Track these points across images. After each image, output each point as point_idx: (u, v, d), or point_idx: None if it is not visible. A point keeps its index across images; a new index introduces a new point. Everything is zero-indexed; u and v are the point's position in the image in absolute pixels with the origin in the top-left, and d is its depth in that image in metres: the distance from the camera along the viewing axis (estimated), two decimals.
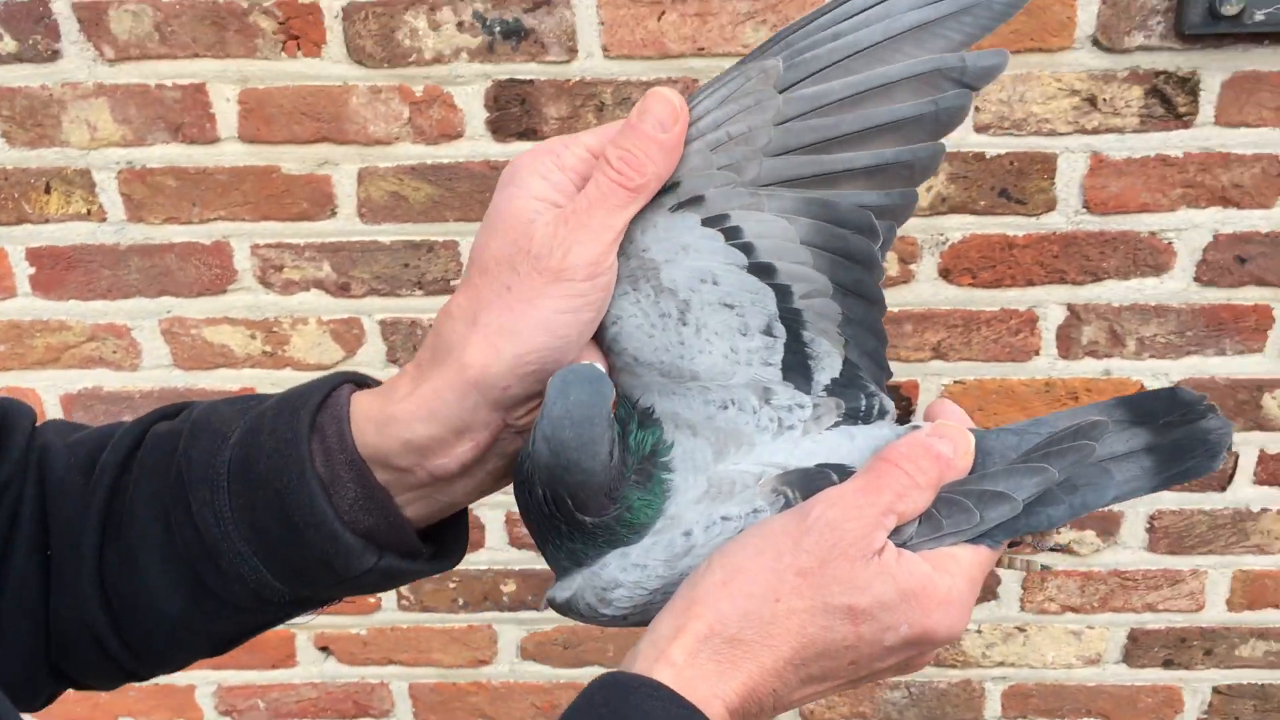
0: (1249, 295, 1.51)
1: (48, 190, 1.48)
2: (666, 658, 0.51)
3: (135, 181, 1.47)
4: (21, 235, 1.50)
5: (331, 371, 0.61)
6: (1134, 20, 1.36)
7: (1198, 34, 1.34)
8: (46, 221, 1.49)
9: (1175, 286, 1.51)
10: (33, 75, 1.42)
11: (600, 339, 0.58)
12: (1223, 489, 1.62)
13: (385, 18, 1.39)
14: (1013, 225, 1.48)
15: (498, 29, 1.39)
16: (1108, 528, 1.66)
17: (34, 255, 1.51)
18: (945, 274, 1.51)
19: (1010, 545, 0.58)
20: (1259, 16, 1.31)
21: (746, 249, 0.58)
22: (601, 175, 0.55)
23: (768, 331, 0.59)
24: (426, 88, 1.42)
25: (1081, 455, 0.56)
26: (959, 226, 1.48)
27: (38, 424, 0.63)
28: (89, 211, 1.49)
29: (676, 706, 0.49)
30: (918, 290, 1.52)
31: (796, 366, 0.59)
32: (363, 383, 0.60)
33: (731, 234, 0.58)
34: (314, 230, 1.50)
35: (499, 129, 1.44)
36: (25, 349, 1.56)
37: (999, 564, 0.59)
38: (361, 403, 0.57)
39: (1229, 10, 1.30)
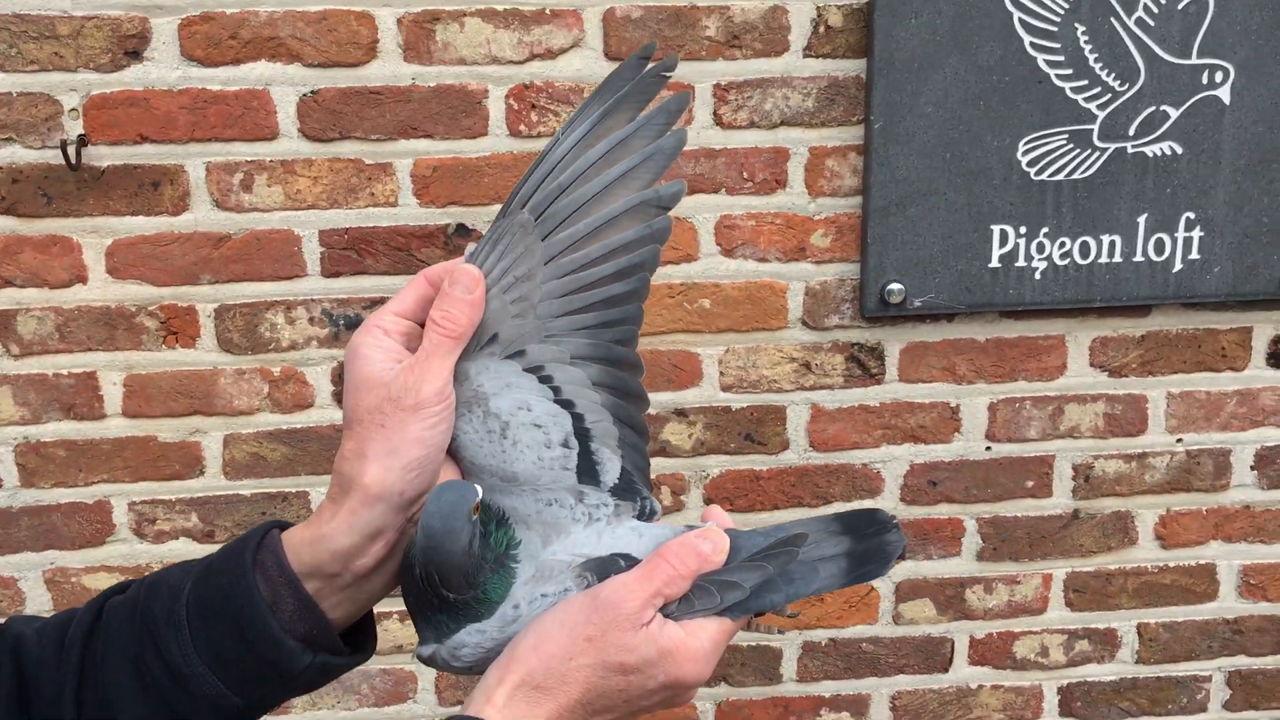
0: (943, 511, 1.92)
1: None
2: (491, 701, 0.70)
3: (30, 453, 1.74)
4: None
5: (261, 523, 0.79)
6: (830, 306, 1.81)
7: (875, 316, 1.80)
8: None
9: (887, 505, 1.91)
10: None
11: (451, 450, 0.76)
12: (945, 670, 1.99)
13: (250, 315, 1.73)
14: (758, 461, 1.87)
15: (341, 322, 1.75)
16: (859, 709, 2.00)
17: None
18: (709, 502, 1.88)
19: (758, 615, 0.76)
20: (917, 303, 1.78)
21: (555, 389, 0.76)
22: (432, 331, 0.73)
23: (565, 444, 0.77)
24: (283, 369, 1.76)
25: (789, 558, 0.74)
26: (716, 464, 1.87)
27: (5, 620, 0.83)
28: None
29: None
30: (688, 516, 1.88)
31: (588, 471, 0.77)
32: (284, 525, 0.78)
33: (545, 379, 0.76)
34: (184, 488, 1.79)
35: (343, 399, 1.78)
36: None
37: (748, 627, 0.77)
38: (293, 534, 0.75)
39: (894, 299, 1.76)
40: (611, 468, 0.78)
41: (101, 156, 1.65)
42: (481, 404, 0.75)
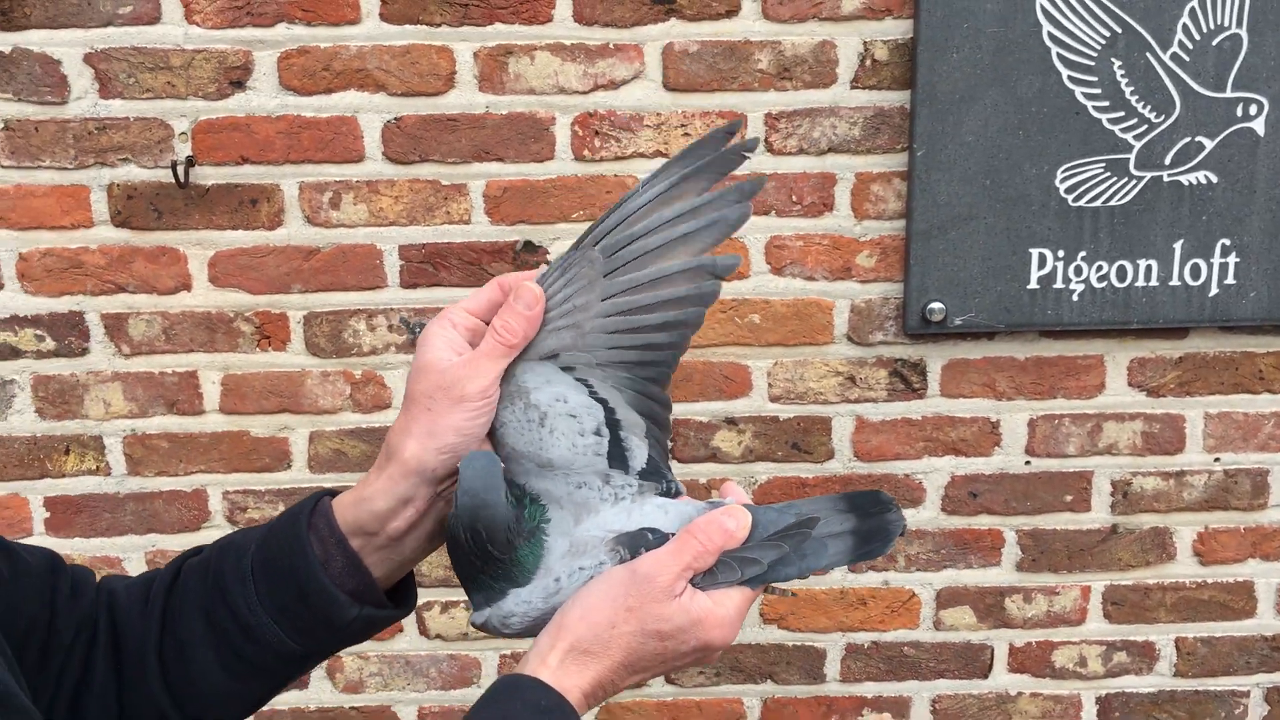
0: (983, 522, 2.00)
1: (67, 452, 1.92)
2: (545, 664, 0.79)
3: (136, 444, 1.92)
4: (42, 487, 1.93)
5: (315, 491, 0.90)
6: (874, 324, 1.91)
7: (918, 333, 1.89)
8: (63, 476, 1.93)
9: (928, 515, 2.00)
10: (65, 366, 1.88)
11: (492, 436, 0.85)
12: (985, 676, 2.07)
13: (335, 322, 1.89)
14: (804, 469, 1.98)
15: (418, 330, 1.90)
16: (900, 710, 2.08)
17: (50, 503, 1.94)
18: None
19: (769, 589, 0.87)
20: (957, 322, 1.87)
21: (590, 387, 0.84)
22: (490, 336, 0.81)
23: (598, 433, 0.85)
24: (364, 372, 1.91)
25: (803, 538, 0.83)
26: (764, 471, 1.97)
27: (98, 579, 0.95)
28: (97, 468, 1.93)
29: (550, 694, 0.77)
30: None
31: (618, 457, 0.85)
32: (334, 492, 0.88)
33: (580, 379, 0.84)
34: (273, 479, 1.95)
35: None
36: None
37: (765, 592, 0.87)
38: (341, 499, 0.86)
39: (935, 318, 1.86)
40: (639, 454, 0.86)
41: (207, 176, 1.82)
42: (523, 396, 0.84)
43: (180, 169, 1.78)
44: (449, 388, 0.81)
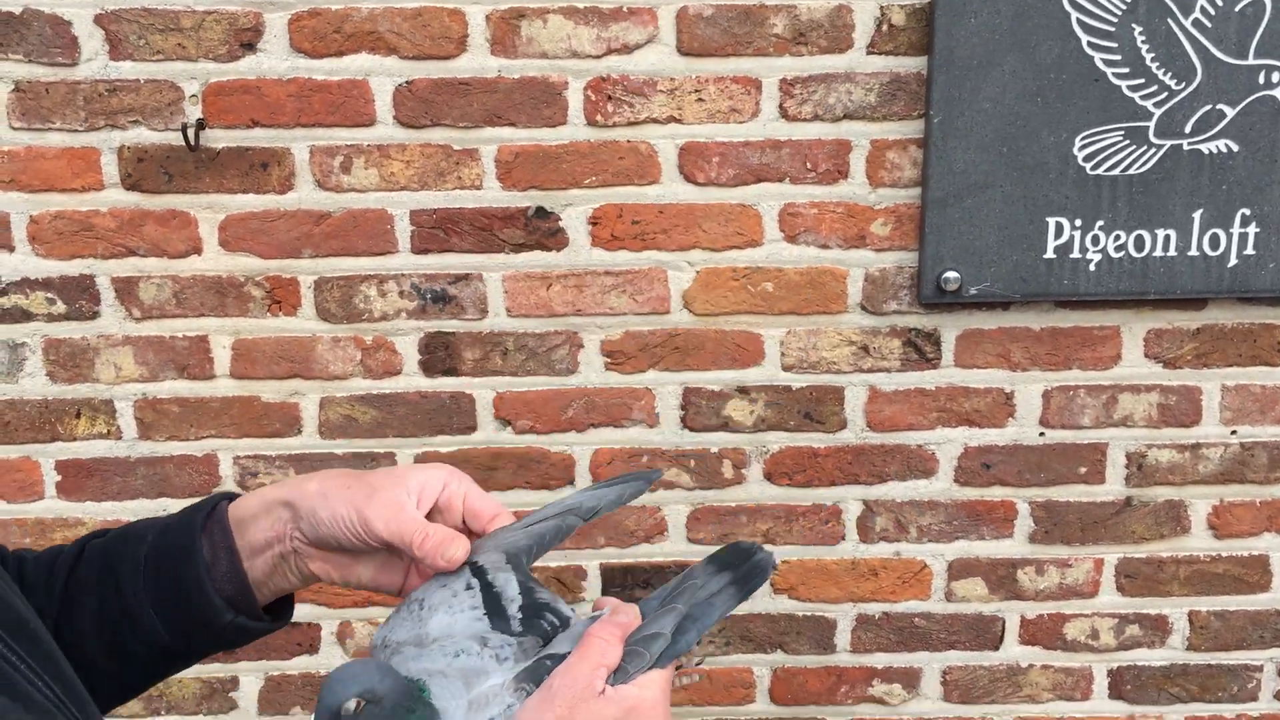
0: (996, 493, 1.99)
1: (78, 415, 1.92)
2: None
3: (147, 409, 1.92)
4: (53, 450, 1.93)
5: (213, 493, 0.93)
6: (889, 293, 1.89)
7: (932, 303, 1.87)
8: (74, 439, 1.93)
9: (941, 486, 1.99)
10: (76, 330, 1.88)
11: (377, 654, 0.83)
12: (996, 648, 2.06)
13: (346, 288, 1.88)
14: (816, 439, 1.97)
15: (429, 296, 1.89)
16: (910, 681, 2.08)
17: (61, 466, 1.94)
18: (769, 476, 1.98)
19: (678, 669, 0.83)
20: (972, 291, 1.85)
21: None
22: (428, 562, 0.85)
23: (468, 587, 0.83)
24: (375, 338, 1.91)
25: (693, 589, 0.83)
26: (776, 440, 1.96)
27: (11, 550, 0.97)
28: (108, 431, 1.93)
29: None
30: (749, 489, 1.98)
31: (493, 605, 0.82)
32: (232, 497, 0.90)
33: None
34: (283, 445, 1.95)
35: (429, 368, 1.92)
36: (47, 542, 1.96)
37: (677, 671, 0.84)
38: (238, 506, 0.88)
39: (950, 287, 1.84)
40: (510, 589, 0.83)
41: (217, 139, 1.81)
42: (411, 602, 0.85)
43: (191, 132, 1.77)
44: (393, 489, 0.86)
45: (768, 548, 0.90)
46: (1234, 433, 1.95)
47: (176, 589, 0.85)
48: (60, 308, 1.87)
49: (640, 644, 0.80)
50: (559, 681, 0.77)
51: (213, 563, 0.86)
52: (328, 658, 2.03)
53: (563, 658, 0.79)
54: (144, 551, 0.87)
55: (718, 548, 0.90)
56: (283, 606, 0.93)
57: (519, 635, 0.81)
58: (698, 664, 0.91)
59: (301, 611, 1.96)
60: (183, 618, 0.86)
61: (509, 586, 0.83)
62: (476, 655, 0.79)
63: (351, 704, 0.73)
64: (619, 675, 0.78)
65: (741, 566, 0.86)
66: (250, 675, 2.05)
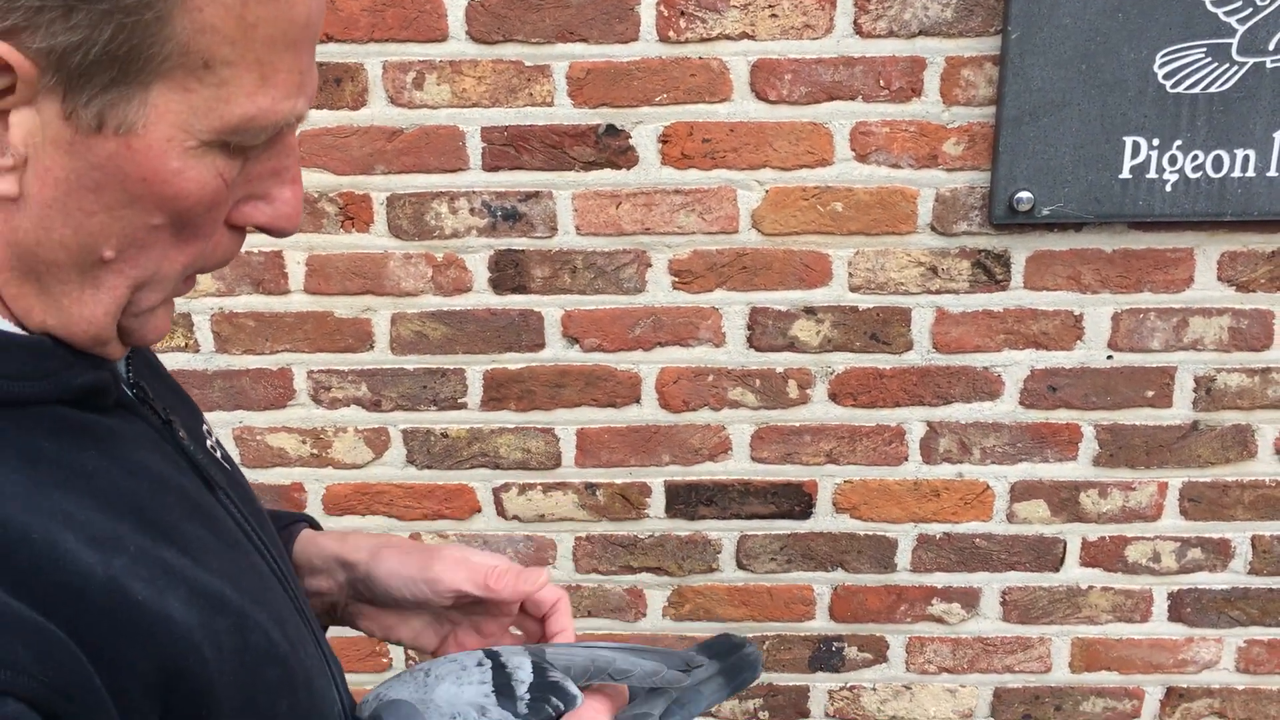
0: (1061, 416, 1.99)
1: None
2: None
3: (224, 322, 1.96)
4: None
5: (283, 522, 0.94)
6: (959, 213, 1.88)
7: (1004, 224, 1.86)
8: (156, 352, 1.97)
9: (1006, 408, 1.99)
10: None
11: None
12: (1056, 569, 2.08)
13: (417, 205, 1.90)
14: (882, 360, 1.97)
15: (499, 213, 1.90)
16: (969, 601, 2.10)
17: None
18: (833, 397, 1.99)
19: None
20: (1045, 212, 1.84)
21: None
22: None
23: (479, 664, 0.84)
24: (445, 255, 1.93)
25: (678, 679, 0.85)
26: (841, 361, 1.97)
27: None
28: (186, 345, 1.97)
29: None
30: (813, 409, 2.00)
31: (502, 684, 0.82)
32: (315, 524, 0.95)
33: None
34: (355, 360, 1.98)
35: (498, 285, 1.94)
36: None
37: None
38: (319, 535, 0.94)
39: (1022, 208, 1.83)
40: (523, 673, 0.84)
41: None
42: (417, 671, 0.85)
43: None
44: (454, 549, 0.91)
45: (753, 644, 0.94)
46: None
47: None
48: None
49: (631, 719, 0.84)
50: None
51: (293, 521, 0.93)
52: None
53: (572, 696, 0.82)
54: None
55: (708, 636, 0.95)
56: None
57: (523, 717, 0.81)
58: None
59: None
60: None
61: (521, 669, 0.83)
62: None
63: None
64: None
65: (729, 658, 0.91)
66: None
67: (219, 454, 0.78)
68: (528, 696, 0.82)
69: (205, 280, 1.93)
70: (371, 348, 1.97)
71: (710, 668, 0.89)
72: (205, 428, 0.78)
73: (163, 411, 0.72)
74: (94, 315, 0.63)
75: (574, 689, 0.83)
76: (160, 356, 1.92)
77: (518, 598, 0.89)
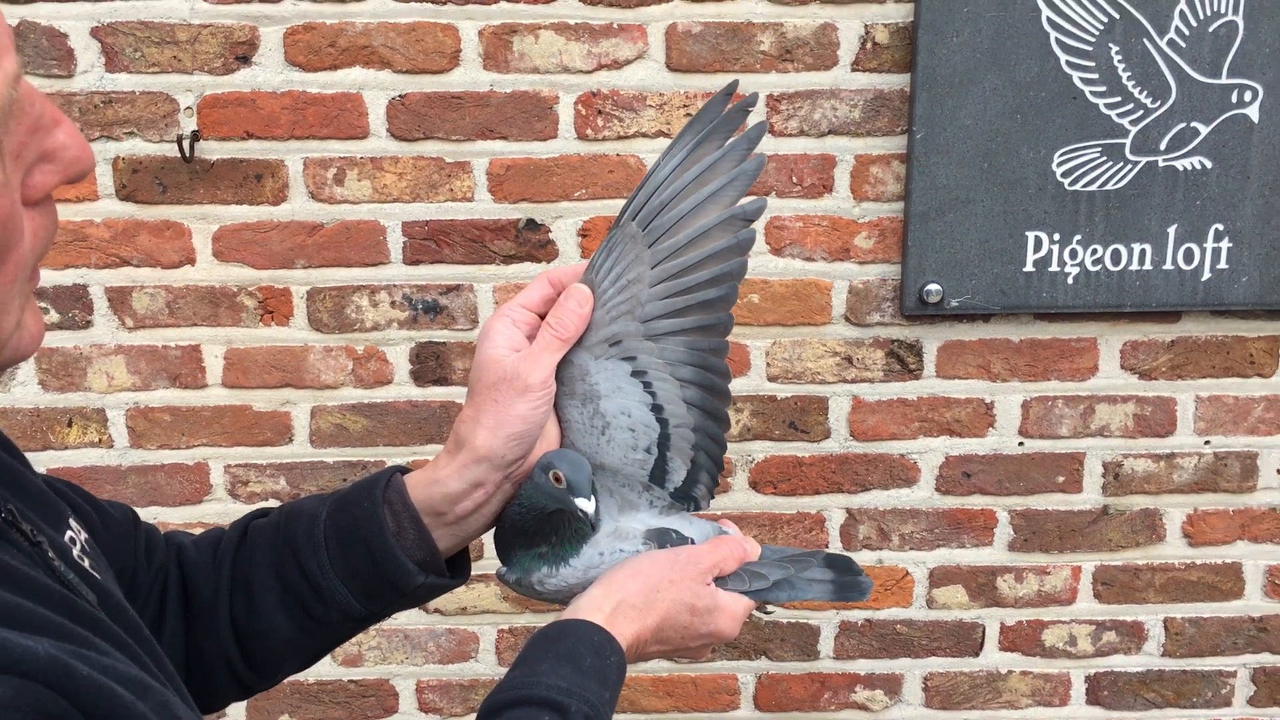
0: (976, 502, 2.03)
1: (70, 424, 1.93)
2: (599, 610, 0.89)
3: (139, 417, 1.94)
4: (44, 459, 1.94)
5: (387, 467, 0.96)
6: (872, 304, 1.93)
7: (915, 314, 1.91)
8: (65, 448, 1.94)
9: (922, 495, 2.02)
10: (68, 339, 1.90)
11: (559, 422, 0.94)
12: (976, 654, 2.10)
13: (338, 298, 1.91)
14: (800, 449, 2.00)
15: (420, 306, 1.91)
16: (892, 687, 2.11)
17: (53, 474, 1.94)
18: (754, 485, 2.01)
19: (757, 608, 1.02)
20: (954, 303, 1.89)
21: (653, 395, 0.94)
22: (546, 331, 0.90)
23: (649, 450, 0.95)
24: (366, 348, 1.93)
25: (804, 565, 1.01)
26: (761, 450, 2.00)
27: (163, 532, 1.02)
28: (100, 440, 1.94)
29: (602, 633, 0.86)
30: (734, 498, 2.01)
31: (659, 475, 0.96)
32: (404, 470, 0.96)
33: (647, 385, 0.93)
34: (274, 454, 1.97)
35: (419, 377, 1.94)
36: None
37: (756, 609, 1.00)
38: (414, 477, 0.93)
39: (932, 299, 1.88)
40: (676, 476, 0.97)
41: (212, 151, 1.83)
42: (594, 401, 0.93)
43: (185, 143, 1.79)
44: (512, 380, 0.89)
45: (870, 580, 1.06)
46: (1207, 443, 2.00)
47: (369, 560, 0.91)
48: (53, 317, 1.88)
49: (748, 572, 0.97)
50: (687, 553, 0.94)
51: (399, 532, 0.91)
52: (315, 665, 2.04)
53: (683, 540, 0.96)
54: (319, 530, 0.92)
55: (841, 553, 1.08)
56: (461, 562, 1.00)
57: (671, 499, 0.97)
58: (769, 614, 1.22)
59: None
60: (376, 586, 0.92)
61: (677, 460, 0.97)
62: (637, 494, 0.96)
63: (550, 475, 0.88)
64: (722, 581, 0.95)
65: (845, 577, 1.04)
66: None
67: (87, 563, 0.77)
68: (680, 485, 0.98)
69: (121, 374, 1.91)
70: (291, 441, 1.96)
71: (825, 574, 1.02)
72: (69, 535, 0.77)
73: (31, 534, 0.71)
74: None
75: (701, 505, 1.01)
76: (71, 453, 1.90)
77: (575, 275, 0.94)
